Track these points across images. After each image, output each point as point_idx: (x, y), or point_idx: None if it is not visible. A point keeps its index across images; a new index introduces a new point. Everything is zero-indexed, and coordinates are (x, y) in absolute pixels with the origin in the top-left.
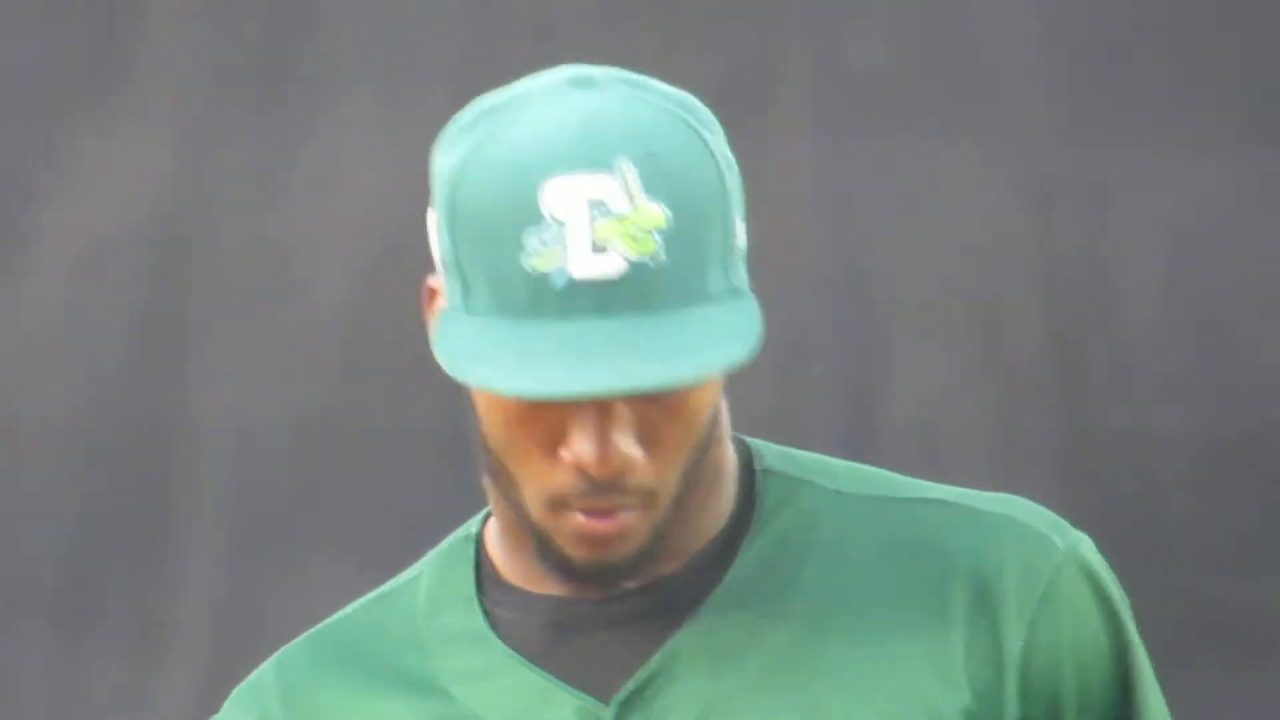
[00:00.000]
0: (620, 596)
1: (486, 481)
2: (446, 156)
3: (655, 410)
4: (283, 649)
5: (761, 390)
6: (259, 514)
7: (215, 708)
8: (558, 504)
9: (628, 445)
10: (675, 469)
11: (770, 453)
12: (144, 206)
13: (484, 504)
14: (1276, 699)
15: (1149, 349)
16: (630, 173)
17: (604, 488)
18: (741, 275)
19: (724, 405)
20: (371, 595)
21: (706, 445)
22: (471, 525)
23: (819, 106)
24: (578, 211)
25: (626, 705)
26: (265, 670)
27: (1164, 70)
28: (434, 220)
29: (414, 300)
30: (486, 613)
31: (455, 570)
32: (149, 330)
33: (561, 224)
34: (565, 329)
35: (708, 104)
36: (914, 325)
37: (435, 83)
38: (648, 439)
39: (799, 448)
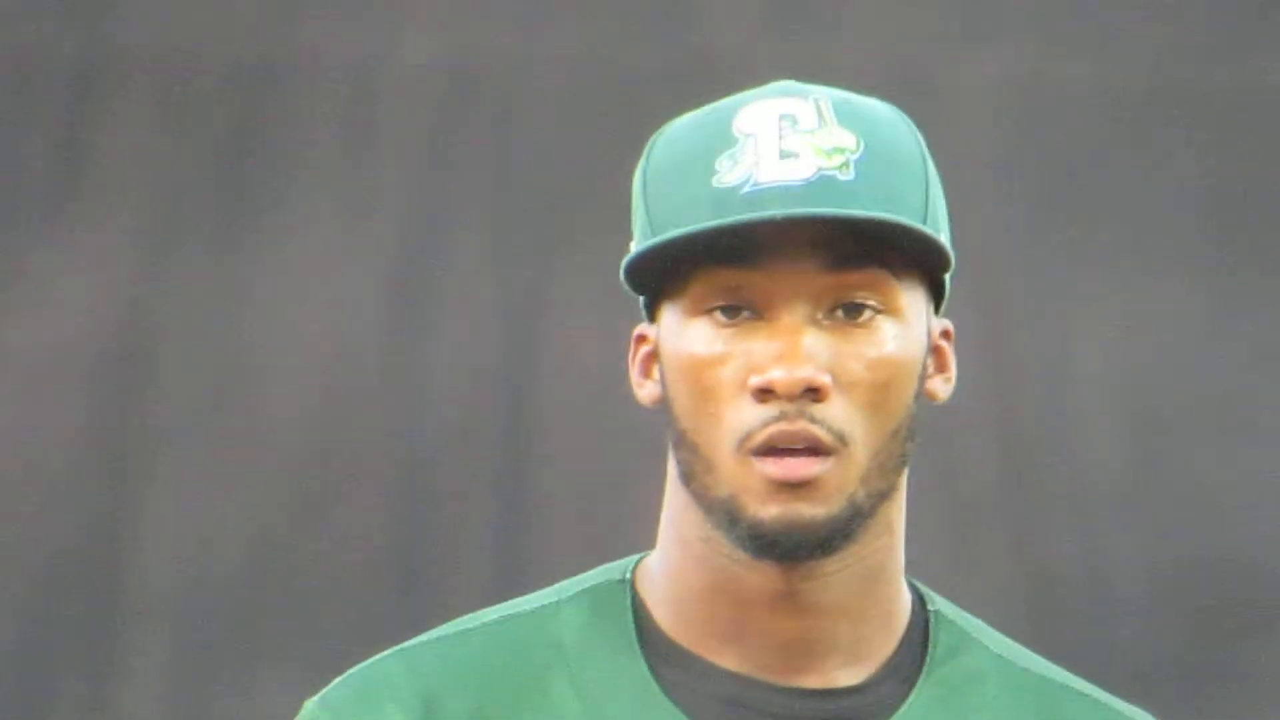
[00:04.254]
0: (800, 693)
1: (673, 495)
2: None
3: (846, 348)
4: (400, 650)
5: None
6: (208, 629)
7: None
8: (748, 444)
9: (816, 359)
10: (866, 424)
11: (935, 595)
12: (98, 321)
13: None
14: None
15: (1102, 475)
16: (824, 103)
17: (793, 414)
18: (943, 238)
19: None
20: (494, 616)
21: (896, 435)
22: (616, 571)
23: None
24: (768, 124)
25: None
26: (386, 667)
27: (1122, 192)
28: (634, 207)
29: (368, 418)
30: (651, 668)
31: (610, 613)
32: (101, 445)
33: (750, 135)
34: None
35: None
36: None
37: (392, 201)
38: (838, 377)
39: None
